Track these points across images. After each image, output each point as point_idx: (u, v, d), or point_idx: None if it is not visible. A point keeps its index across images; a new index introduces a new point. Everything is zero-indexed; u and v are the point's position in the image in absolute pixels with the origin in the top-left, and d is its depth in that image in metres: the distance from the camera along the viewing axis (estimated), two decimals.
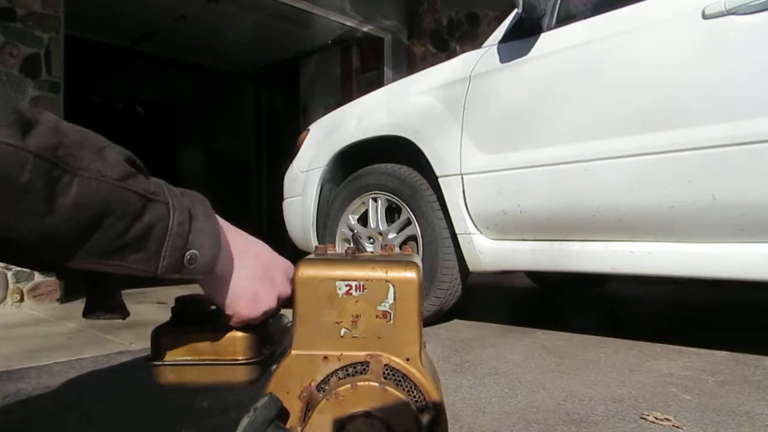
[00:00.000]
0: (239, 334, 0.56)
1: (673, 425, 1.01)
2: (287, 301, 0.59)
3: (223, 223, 0.54)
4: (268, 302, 0.56)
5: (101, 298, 0.47)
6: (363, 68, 5.12)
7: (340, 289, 0.52)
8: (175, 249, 0.45)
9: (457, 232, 1.90)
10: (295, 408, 0.53)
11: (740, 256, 1.37)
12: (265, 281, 0.56)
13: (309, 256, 0.59)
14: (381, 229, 2.12)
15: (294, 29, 4.91)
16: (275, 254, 0.59)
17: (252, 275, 0.54)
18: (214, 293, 0.53)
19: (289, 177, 2.61)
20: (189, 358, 0.55)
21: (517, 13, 1.81)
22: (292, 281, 0.54)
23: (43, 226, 0.37)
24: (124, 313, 0.49)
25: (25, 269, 2.82)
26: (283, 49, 5.52)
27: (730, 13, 1.34)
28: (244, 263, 0.54)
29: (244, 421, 0.47)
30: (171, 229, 0.45)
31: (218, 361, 0.55)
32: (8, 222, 0.36)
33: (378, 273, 0.52)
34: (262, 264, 0.56)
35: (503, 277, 3.58)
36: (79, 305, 2.90)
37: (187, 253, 0.46)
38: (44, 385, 1.31)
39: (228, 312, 0.54)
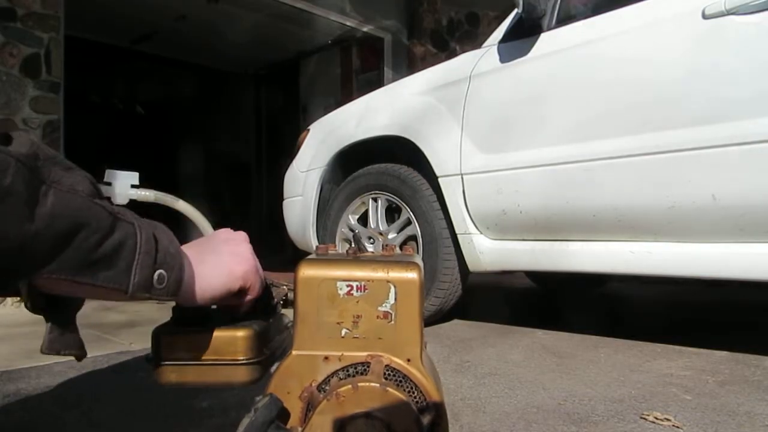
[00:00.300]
0: (240, 333, 0.56)
1: (673, 425, 1.01)
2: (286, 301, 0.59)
3: (192, 248, 0.56)
4: (244, 267, 0.57)
5: (60, 332, 0.47)
6: (363, 68, 5.12)
7: (341, 289, 0.52)
8: (144, 267, 0.45)
9: (457, 232, 1.90)
10: (295, 408, 0.53)
11: (740, 256, 1.37)
12: (220, 257, 0.56)
13: (310, 257, 0.59)
14: (381, 229, 2.12)
15: (294, 29, 4.91)
16: (218, 232, 0.62)
17: (211, 264, 0.55)
18: (193, 300, 0.53)
19: (289, 177, 2.61)
20: (189, 358, 0.55)
21: (517, 13, 1.81)
22: (294, 281, 0.54)
23: (22, 233, 0.38)
24: (82, 351, 0.49)
25: None
26: (283, 49, 5.52)
27: (730, 13, 1.34)
28: (198, 261, 0.54)
29: (245, 421, 0.47)
30: (140, 247, 0.45)
31: (219, 361, 0.55)
32: None
33: (379, 273, 0.52)
34: (215, 249, 0.57)
35: (503, 277, 3.58)
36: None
37: (155, 273, 0.46)
38: (44, 385, 1.31)
39: (234, 301, 0.56)
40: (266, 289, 0.62)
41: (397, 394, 0.48)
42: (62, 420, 1.09)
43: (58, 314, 0.47)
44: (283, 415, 0.52)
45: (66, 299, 0.47)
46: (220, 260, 0.56)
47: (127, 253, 0.44)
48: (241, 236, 0.62)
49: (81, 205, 0.41)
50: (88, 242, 0.42)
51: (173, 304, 0.58)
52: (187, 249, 0.54)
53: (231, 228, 0.64)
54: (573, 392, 1.23)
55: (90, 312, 2.36)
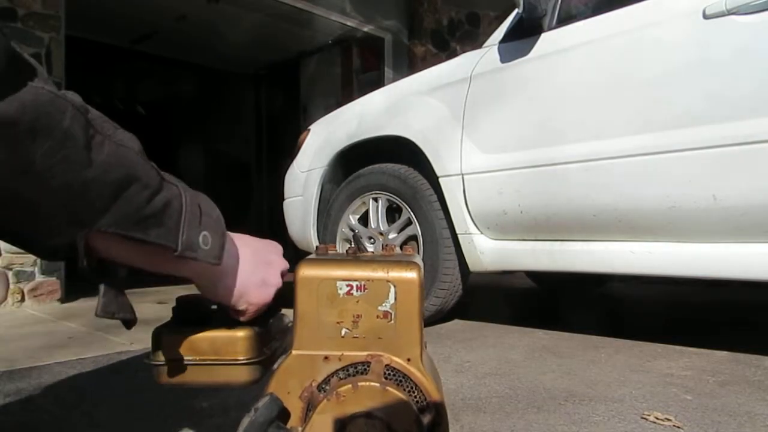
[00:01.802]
0: (240, 333, 0.56)
1: (673, 425, 1.01)
2: (286, 300, 0.59)
3: None
4: (275, 282, 0.57)
5: (114, 295, 0.47)
6: (363, 68, 5.12)
7: (341, 289, 0.52)
8: (192, 227, 0.46)
9: (457, 232, 1.90)
10: (296, 408, 0.53)
11: (740, 256, 1.37)
12: (264, 265, 0.57)
13: (310, 256, 0.59)
14: (381, 229, 2.12)
15: (294, 29, 4.91)
16: (260, 239, 0.61)
17: (253, 264, 0.55)
18: (222, 290, 0.53)
19: (289, 177, 2.61)
20: (190, 358, 0.55)
21: (517, 13, 1.81)
22: (294, 281, 0.54)
23: (80, 179, 0.38)
24: (134, 315, 0.49)
25: (25, 268, 2.83)
26: (284, 49, 5.52)
27: (730, 13, 1.34)
28: (243, 255, 0.55)
29: (245, 421, 0.47)
30: (185, 207, 0.46)
31: (219, 361, 0.55)
32: (51, 171, 0.37)
33: (379, 273, 0.52)
34: (256, 251, 0.57)
35: (503, 277, 3.58)
36: (79, 305, 2.90)
37: (201, 234, 0.47)
38: (45, 385, 1.31)
39: (241, 306, 0.55)
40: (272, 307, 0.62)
41: (397, 393, 0.48)
42: (63, 420, 1.09)
43: (112, 276, 0.47)
44: (284, 414, 0.52)
45: (115, 266, 0.47)
46: (258, 264, 0.56)
47: (174, 212, 0.45)
48: (274, 245, 0.62)
49: (134, 160, 0.42)
50: (140, 196, 0.42)
51: (174, 304, 0.58)
52: (233, 235, 0.55)
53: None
54: (574, 392, 1.23)
55: (90, 312, 2.36)
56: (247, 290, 0.54)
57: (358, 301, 0.52)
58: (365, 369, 0.52)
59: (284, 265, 0.60)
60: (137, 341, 1.80)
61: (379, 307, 0.52)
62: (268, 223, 6.22)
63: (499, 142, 1.79)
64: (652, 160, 1.46)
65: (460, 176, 1.87)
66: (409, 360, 0.52)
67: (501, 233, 1.84)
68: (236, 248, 0.54)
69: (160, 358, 0.55)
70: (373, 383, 0.48)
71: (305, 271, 0.53)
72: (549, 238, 1.75)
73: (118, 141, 0.42)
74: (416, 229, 2.01)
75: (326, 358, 0.53)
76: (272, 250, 0.60)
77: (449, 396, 1.18)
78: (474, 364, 1.50)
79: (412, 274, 0.52)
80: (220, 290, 0.53)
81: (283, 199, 2.64)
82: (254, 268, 0.55)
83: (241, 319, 0.57)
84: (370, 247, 2.10)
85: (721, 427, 1.01)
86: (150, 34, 5.18)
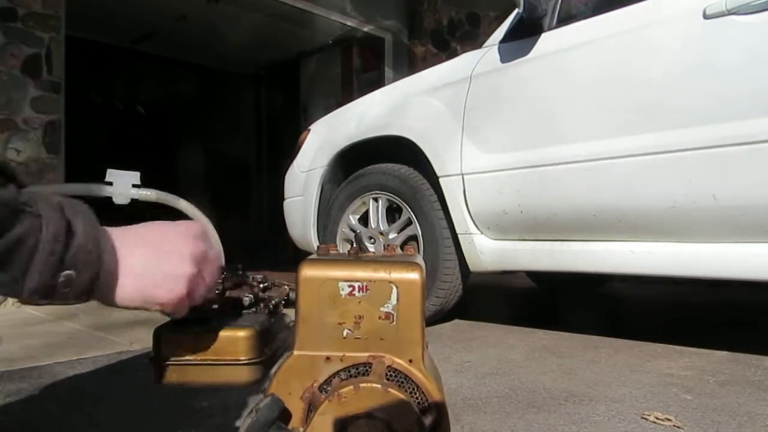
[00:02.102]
0: (241, 333, 0.56)
1: (673, 425, 1.01)
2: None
3: (110, 231, 0.48)
4: (183, 272, 0.49)
5: None
6: (363, 68, 5.12)
7: (342, 289, 0.52)
8: (46, 269, 0.39)
9: (457, 232, 1.90)
10: (297, 409, 0.53)
11: (740, 256, 1.37)
12: (165, 257, 0.49)
13: (311, 257, 0.58)
14: (382, 229, 2.12)
15: (294, 29, 4.91)
16: (169, 224, 0.52)
17: (152, 259, 0.48)
18: (120, 300, 0.47)
19: (289, 177, 2.61)
20: (190, 358, 0.55)
21: (517, 13, 1.81)
22: (295, 281, 0.54)
23: None
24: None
25: None
26: (284, 49, 5.52)
27: (731, 13, 1.34)
28: (135, 255, 0.47)
29: (246, 421, 0.47)
30: (41, 246, 0.39)
31: (220, 361, 0.55)
32: None
33: (381, 274, 0.52)
34: (155, 243, 0.49)
35: (504, 277, 3.58)
36: (79, 305, 2.91)
37: (61, 275, 0.40)
38: (45, 385, 1.31)
39: (154, 308, 0.49)
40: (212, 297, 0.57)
41: (398, 394, 0.48)
42: (63, 420, 1.09)
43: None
44: (285, 415, 0.52)
45: None
46: (159, 261, 0.48)
47: (25, 253, 0.38)
48: (184, 228, 0.52)
49: None
50: None
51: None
52: (120, 241, 0.47)
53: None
54: (574, 392, 1.23)
55: (90, 312, 2.36)
56: (148, 291, 0.47)
57: (360, 302, 0.52)
58: (367, 370, 0.52)
59: (195, 247, 0.50)
60: (137, 341, 1.80)
61: (381, 308, 0.52)
62: (268, 223, 6.21)
63: (500, 142, 1.79)
64: (652, 160, 1.46)
65: (461, 176, 1.87)
66: (410, 361, 0.52)
67: (501, 233, 1.84)
68: (128, 248, 0.47)
69: (161, 358, 0.55)
70: (374, 384, 0.48)
71: (307, 272, 0.53)
72: (549, 238, 1.75)
73: None
74: (416, 229, 2.01)
75: (328, 358, 0.52)
76: (180, 233, 0.51)
77: (450, 396, 1.18)
78: (474, 364, 1.50)
79: (414, 275, 0.52)
80: (119, 300, 0.46)
81: (283, 199, 2.64)
82: (153, 264, 0.48)
83: (174, 317, 0.53)
84: (370, 247, 2.10)
85: (721, 427, 1.01)
86: (150, 34, 5.18)
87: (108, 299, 0.46)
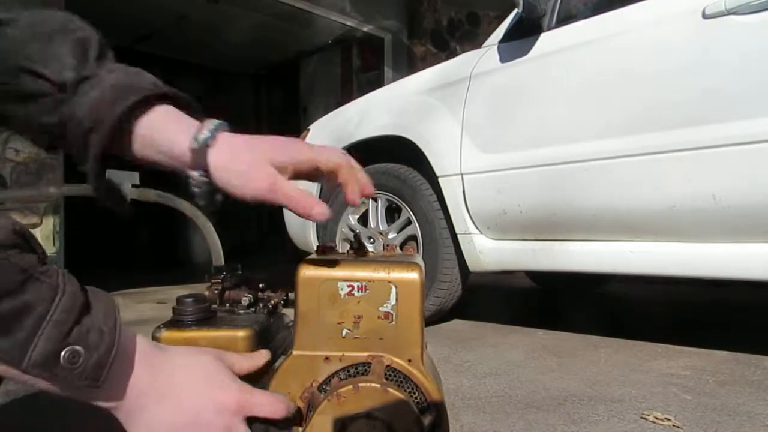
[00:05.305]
0: (240, 333, 0.56)
1: (673, 425, 1.01)
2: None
3: (145, 347, 0.44)
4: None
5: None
6: (363, 68, 5.13)
7: (342, 289, 0.52)
8: (50, 339, 0.36)
9: (457, 231, 1.90)
10: None
11: (740, 256, 1.37)
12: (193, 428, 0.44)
13: (310, 257, 0.58)
14: (381, 229, 2.12)
15: (294, 29, 4.91)
16: (213, 387, 0.45)
17: (172, 422, 0.43)
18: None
19: None
20: None
21: (517, 12, 1.81)
22: (294, 281, 0.54)
23: None
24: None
25: None
26: (283, 49, 5.52)
27: (730, 12, 1.34)
28: (159, 410, 0.43)
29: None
30: (51, 314, 0.36)
31: None
32: None
33: (380, 274, 0.52)
34: (185, 411, 0.44)
35: (503, 277, 3.58)
36: None
37: (65, 349, 0.37)
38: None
39: None
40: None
41: (398, 394, 0.48)
42: (62, 420, 1.09)
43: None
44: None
45: None
46: (180, 424, 0.44)
47: (33, 320, 0.36)
48: (219, 406, 0.45)
49: None
50: None
51: (174, 303, 0.58)
52: (158, 366, 0.44)
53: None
54: (573, 392, 1.23)
55: None
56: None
57: (359, 302, 0.52)
58: (366, 370, 0.52)
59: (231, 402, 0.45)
60: None
61: (381, 308, 0.52)
62: (268, 223, 6.22)
63: (499, 141, 1.80)
64: (652, 160, 1.46)
65: (460, 176, 1.87)
66: (410, 361, 0.52)
67: (501, 233, 1.84)
68: (161, 388, 0.43)
69: None
70: (373, 384, 0.48)
71: (306, 272, 0.53)
72: (549, 238, 1.75)
73: None
74: (416, 228, 2.01)
75: (327, 358, 0.52)
76: (211, 413, 0.44)
77: (449, 396, 1.18)
78: (474, 364, 1.50)
79: (413, 275, 0.52)
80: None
81: None
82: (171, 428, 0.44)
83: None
84: (369, 247, 2.10)
85: (721, 427, 1.01)
86: (150, 34, 5.18)
87: (122, 414, 0.43)
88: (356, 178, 0.51)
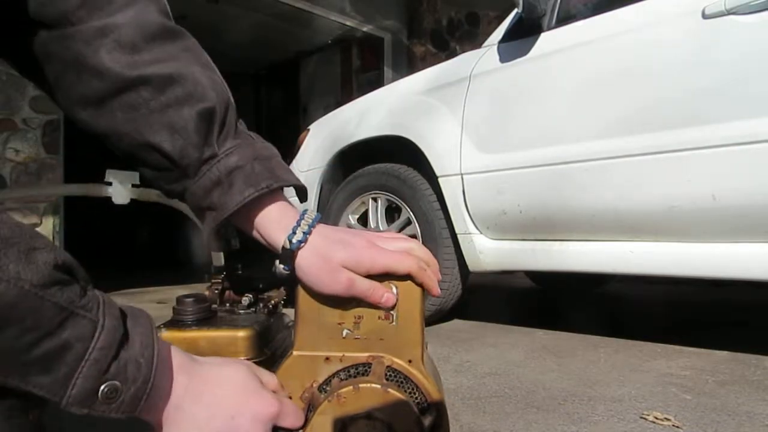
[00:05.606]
0: (240, 333, 0.56)
1: (673, 425, 1.01)
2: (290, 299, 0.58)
3: (180, 359, 0.45)
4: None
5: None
6: (363, 68, 5.13)
7: None
8: (89, 378, 0.37)
9: (457, 231, 1.90)
10: None
11: (740, 256, 1.37)
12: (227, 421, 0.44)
13: None
14: (381, 228, 2.12)
15: (294, 29, 4.91)
16: (248, 394, 0.46)
17: (207, 423, 0.43)
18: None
19: None
20: None
21: (517, 12, 1.81)
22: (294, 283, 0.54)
23: None
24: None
25: None
26: (283, 49, 5.52)
27: (730, 12, 1.34)
28: (194, 411, 0.43)
29: None
30: (89, 353, 0.37)
31: None
32: None
33: None
34: (221, 412, 0.44)
35: (503, 277, 3.58)
36: None
37: (103, 386, 0.38)
38: None
39: None
40: None
41: (398, 395, 0.48)
42: (61, 420, 1.08)
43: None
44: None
45: None
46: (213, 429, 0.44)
47: (73, 358, 0.36)
48: (257, 410, 0.46)
49: (17, 298, 0.34)
50: (19, 342, 0.34)
51: (174, 303, 0.58)
52: (189, 376, 0.44)
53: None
54: (573, 392, 1.23)
55: None
56: None
57: (359, 302, 0.52)
58: (366, 370, 0.52)
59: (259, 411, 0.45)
60: None
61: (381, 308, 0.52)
62: None
63: (499, 141, 1.80)
64: (651, 160, 1.46)
65: (460, 176, 1.87)
66: (410, 361, 0.52)
67: (500, 233, 1.84)
68: (192, 397, 0.43)
69: None
70: (374, 384, 0.48)
71: None
72: (548, 238, 1.75)
73: (6, 275, 0.34)
74: (415, 228, 2.01)
75: (327, 359, 0.52)
76: (248, 416, 0.45)
77: (449, 396, 1.18)
78: (474, 364, 1.50)
79: None
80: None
81: None
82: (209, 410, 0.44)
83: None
84: None
85: (721, 427, 1.01)
86: None
87: (155, 419, 0.43)
88: (429, 277, 0.54)
